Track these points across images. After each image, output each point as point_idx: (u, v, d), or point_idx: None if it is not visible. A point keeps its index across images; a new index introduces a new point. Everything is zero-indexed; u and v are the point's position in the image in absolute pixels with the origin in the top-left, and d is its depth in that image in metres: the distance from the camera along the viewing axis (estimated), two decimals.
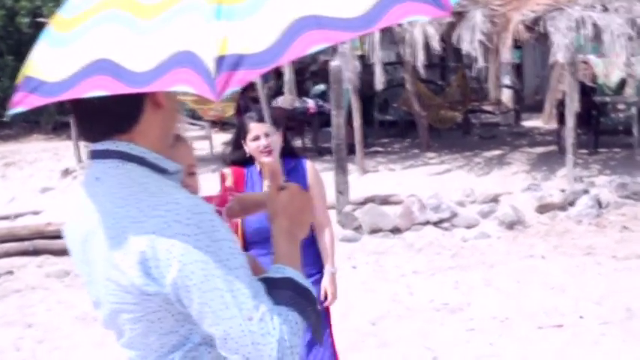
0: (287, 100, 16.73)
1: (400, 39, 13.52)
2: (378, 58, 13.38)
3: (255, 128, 4.84)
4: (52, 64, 2.13)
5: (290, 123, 15.96)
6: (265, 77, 20.08)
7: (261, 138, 4.79)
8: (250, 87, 17.57)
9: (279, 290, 2.14)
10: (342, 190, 11.44)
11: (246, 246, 4.87)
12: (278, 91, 17.82)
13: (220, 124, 20.20)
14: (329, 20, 1.98)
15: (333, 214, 9.98)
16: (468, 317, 7.86)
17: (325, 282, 5.02)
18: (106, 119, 2.17)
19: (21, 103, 2.18)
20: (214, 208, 2.90)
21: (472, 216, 11.32)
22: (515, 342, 7.10)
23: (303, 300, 2.17)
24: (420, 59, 12.87)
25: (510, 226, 11.11)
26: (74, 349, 7.51)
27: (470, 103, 17.57)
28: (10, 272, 10.27)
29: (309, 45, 1.95)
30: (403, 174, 13.44)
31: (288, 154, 4.99)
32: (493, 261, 9.88)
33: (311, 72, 20.23)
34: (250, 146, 4.85)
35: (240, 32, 1.93)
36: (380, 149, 16.33)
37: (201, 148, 16.27)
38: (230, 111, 18.15)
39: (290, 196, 2.37)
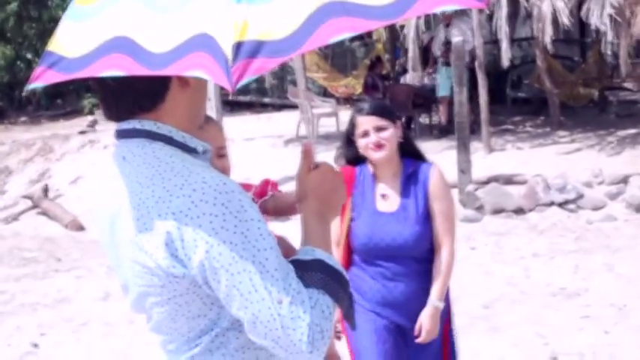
0: (415, 77, 16.50)
1: (530, 14, 13.17)
2: (505, 34, 13.04)
3: (363, 122, 4.11)
4: (72, 38, 2.09)
5: (418, 100, 15.78)
6: (396, 54, 19.97)
7: (371, 133, 4.07)
8: (379, 63, 17.50)
9: (310, 273, 2.05)
10: (464, 168, 11.22)
11: (353, 265, 4.23)
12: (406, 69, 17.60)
13: (351, 100, 20.18)
14: (356, 7, 1.89)
15: (454, 194, 9.70)
16: (585, 303, 7.57)
17: (423, 315, 4.10)
18: (130, 97, 2.11)
19: (39, 78, 2.15)
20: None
21: (599, 197, 10.91)
22: (631, 331, 6.79)
23: (334, 283, 2.07)
24: (549, 34, 12.48)
25: (639, 208, 10.65)
26: None
27: (606, 79, 16.96)
28: None
29: (333, 33, 1.87)
30: (531, 153, 13.08)
31: (410, 154, 4.26)
32: (617, 245, 9.50)
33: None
34: (359, 143, 4.14)
35: (261, 16, 1.85)
36: (510, 127, 15.94)
37: (329, 124, 16.26)
38: (360, 88, 18.12)
39: (321, 176, 2.26)
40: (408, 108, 15.24)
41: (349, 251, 4.24)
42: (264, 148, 15.56)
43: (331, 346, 3.57)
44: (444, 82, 15.18)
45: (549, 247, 9.61)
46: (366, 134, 4.09)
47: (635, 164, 11.84)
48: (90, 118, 21.17)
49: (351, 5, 1.88)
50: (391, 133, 4.08)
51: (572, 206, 10.82)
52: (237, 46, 1.78)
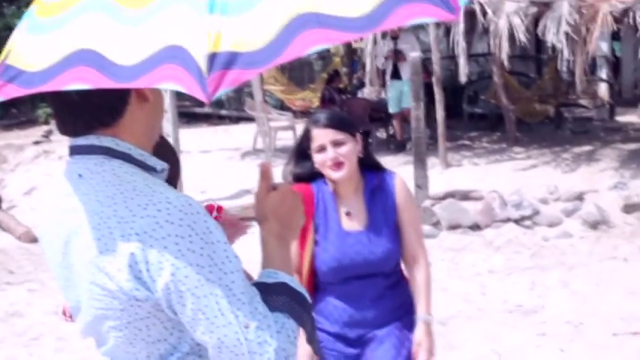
0: (372, 91, 16.53)
1: (487, 30, 13.27)
2: (462, 49, 13.10)
3: (319, 136, 3.75)
4: (33, 52, 2.01)
5: (375, 114, 15.81)
6: (354, 67, 20.00)
7: (328, 149, 3.72)
8: (336, 77, 17.50)
9: (274, 296, 2.02)
10: (420, 184, 11.22)
11: (316, 287, 3.92)
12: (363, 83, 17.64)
13: (308, 113, 20.18)
14: (331, 19, 1.85)
15: None
16: (541, 320, 7.58)
17: (418, 334, 3.79)
18: (88, 112, 2.05)
19: None
20: None
21: (555, 214, 10.97)
22: (587, 349, 6.81)
23: (298, 306, 2.05)
24: (505, 50, 12.56)
25: (594, 225, 10.73)
26: None
27: (562, 96, 17.12)
28: None
29: (309, 45, 1.82)
30: (487, 169, 13.15)
31: (370, 167, 3.95)
32: (573, 262, 9.54)
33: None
34: (315, 159, 3.78)
35: (235, 28, 1.79)
36: (467, 142, 16.03)
37: (286, 137, 16.26)
38: (317, 101, 18.12)
39: (280, 197, 2.22)
40: (365, 122, 15.26)
41: (312, 276, 3.90)
42: (220, 160, 15.49)
43: None
44: (392, 97, 15.29)
45: (505, 263, 9.62)
46: (322, 149, 3.74)
47: (590, 181, 11.95)
48: (45, 128, 20.91)
49: (324, 17, 1.84)
50: (350, 149, 3.75)
51: (528, 223, 10.86)
52: (212, 57, 1.73)
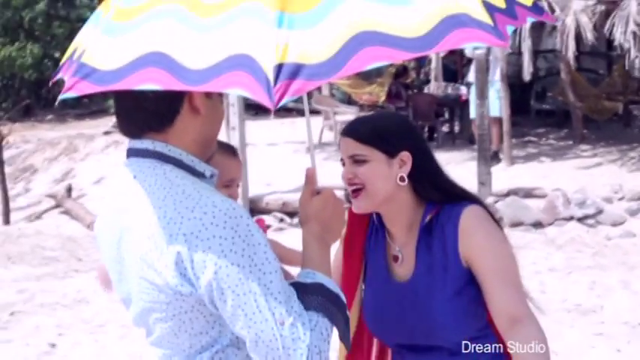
0: (439, 86, 16.54)
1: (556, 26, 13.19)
2: (527, 46, 13.05)
3: (341, 146, 2.70)
4: (106, 52, 2.14)
5: (440, 110, 15.82)
6: (421, 62, 19.98)
7: (346, 164, 2.66)
8: (404, 72, 17.51)
9: (310, 296, 2.13)
10: (484, 180, 11.25)
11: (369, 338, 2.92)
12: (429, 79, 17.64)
13: (375, 107, 20.22)
14: (390, 38, 1.98)
15: None
16: (599, 320, 7.54)
17: None
18: (140, 115, 2.20)
19: (72, 89, 2.21)
20: None
21: (619, 213, 10.88)
22: None
23: (333, 306, 2.16)
24: (572, 49, 12.48)
25: None
26: None
27: (631, 93, 16.93)
28: None
29: (370, 61, 1.96)
30: (552, 166, 13.08)
31: (439, 196, 2.68)
32: (635, 262, 9.45)
33: (468, 59, 19.99)
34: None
35: (301, 41, 1.93)
36: (533, 139, 15.94)
37: None
38: (384, 96, 18.14)
39: (323, 202, 2.33)
40: (430, 117, 15.29)
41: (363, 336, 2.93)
42: (286, 153, 15.61)
43: None
44: (493, 100, 13.75)
45: (566, 262, 9.57)
46: (344, 164, 2.69)
47: None
48: (115, 118, 21.24)
49: (384, 36, 1.97)
50: (373, 170, 2.62)
51: (591, 221, 10.79)
52: (279, 68, 1.87)
